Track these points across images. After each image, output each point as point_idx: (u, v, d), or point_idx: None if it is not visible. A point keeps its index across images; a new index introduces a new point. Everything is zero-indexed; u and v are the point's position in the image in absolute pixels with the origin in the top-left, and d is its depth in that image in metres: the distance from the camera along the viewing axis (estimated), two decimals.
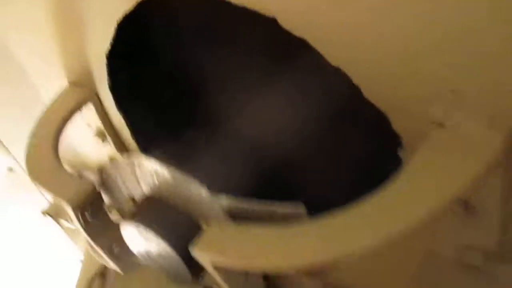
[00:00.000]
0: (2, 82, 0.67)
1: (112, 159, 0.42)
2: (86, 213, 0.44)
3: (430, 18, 0.28)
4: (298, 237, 0.29)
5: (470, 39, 0.28)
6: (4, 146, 0.75)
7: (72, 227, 0.78)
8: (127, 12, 0.41)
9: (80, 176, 0.45)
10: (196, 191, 0.35)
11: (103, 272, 0.68)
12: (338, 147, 0.40)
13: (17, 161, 0.77)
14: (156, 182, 0.37)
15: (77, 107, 0.56)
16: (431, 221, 0.27)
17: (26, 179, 0.80)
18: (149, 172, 0.37)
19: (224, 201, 0.34)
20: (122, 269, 0.49)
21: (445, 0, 0.27)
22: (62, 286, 0.82)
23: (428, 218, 0.28)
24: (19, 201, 0.83)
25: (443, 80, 0.30)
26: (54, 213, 0.78)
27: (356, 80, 0.34)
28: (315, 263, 0.28)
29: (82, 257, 0.82)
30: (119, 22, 0.43)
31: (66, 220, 0.78)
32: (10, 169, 0.78)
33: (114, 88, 0.54)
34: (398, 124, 0.35)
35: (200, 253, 0.32)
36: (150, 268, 0.70)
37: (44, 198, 0.83)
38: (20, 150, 0.76)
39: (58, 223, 0.78)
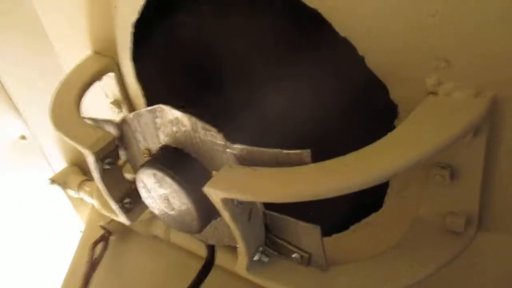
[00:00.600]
0: (26, 48, 0.71)
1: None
2: (103, 163, 0.48)
3: None
4: (297, 173, 0.33)
5: (464, 13, 0.32)
6: (19, 113, 0.79)
7: (77, 196, 0.81)
8: None
9: (101, 129, 0.49)
10: (212, 138, 0.39)
11: (105, 239, 0.71)
12: (343, 115, 0.44)
13: (29, 129, 0.81)
14: (175, 129, 0.41)
15: (99, 75, 0.60)
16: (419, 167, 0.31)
17: (37, 148, 0.84)
18: (169, 120, 0.41)
19: (236, 148, 0.38)
20: (129, 221, 0.52)
21: None
22: (61, 254, 0.84)
23: (416, 163, 0.31)
24: (27, 170, 0.86)
25: (438, 49, 0.35)
26: (61, 182, 0.81)
27: (360, 50, 0.38)
28: (311, 194, 0.32)
29: (82, 228, 0.85)
30: None
31: (72, 189, 0.81)
32: (23, 137, 0.82)
33: (136, 59, 0.58)
34: (395, 93, 0.39)
35: (212, 190, 0.36)
36: (150, 239, 0.73)
37: (51, 169, 0.86)
38: (34, 118, 0.80)
39: (64, 191, 0.82)
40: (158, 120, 0.42)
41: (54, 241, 0.93)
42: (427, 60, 0.35)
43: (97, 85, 0.62)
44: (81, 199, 0.81)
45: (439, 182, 0.40)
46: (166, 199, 0.44)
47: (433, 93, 0.37)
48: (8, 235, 0.88)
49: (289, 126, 0.48)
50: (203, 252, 0.60)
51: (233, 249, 0.43)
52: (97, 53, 0.62)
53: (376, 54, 0.38)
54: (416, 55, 0.36)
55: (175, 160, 0.42)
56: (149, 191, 0.45)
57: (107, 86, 0.64)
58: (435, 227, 0.43)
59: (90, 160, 0.47)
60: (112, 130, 0.49)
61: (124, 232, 0.75)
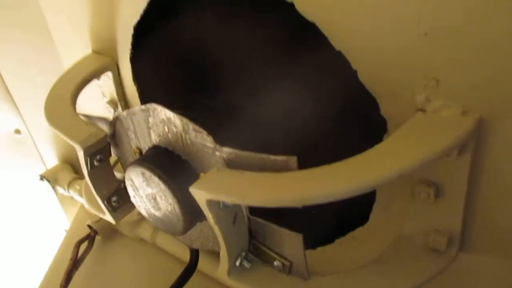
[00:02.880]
0: (27, 44, 0.72)
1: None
2: (94, 160, 0.48)
3: (419, 15, 0.34)
4: (282, 178, 0.33)
5: (453, 35, 0.33)
6: (16, 107, 0.79)
7: (67, 193, 0.81)
8: None
9: (95, 125, 0.49)
10: (202, 140, 0.40)
11: (90, 238, 0.71)
12: (334, 126, 0.45)
13: (25, 124, 0.81)
14: (166, 129, 0.42)
15: (98, 72, 0.60)
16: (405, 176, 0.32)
17: (31, 143, 0.84)
18: (161, 119, 0.41)
19: (225, 151, 0.39)
20: (116, 220, 0.52)
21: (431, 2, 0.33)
22: (45, 250, 0.84)
23: (399, 175, 0.32)
24: (19, 164, 0.86)
25: (427, 68, 0.35)
26: (51, 178, 0.81)
27: (353, 65, 0.39)
28: (294, 199, 0.32)
29: (67, 227, 0.85)
30: None
31: (62, 186, 0.81)
32: (18, 131, 0.82)
33: (134, 60, 0.59)
34: (385, 109, 0.40)
35: (198, 190, 0.36)
36: (136, 242, 0.73)
37: (43, 165, 0.86)
38: (30, 113, 0.81)
39: (54, 188, 0.81)
40: (151, 119, 0.43)
41: (39, 237, 0.92)
42: (417, 78, 0.36)
43: (94, 84, 0.62)
44: (70, 198, 0.81)
45: (424, 199, 0.41)
46: (153, 198, 0.44)
47: (422, 110, 0.37)
48: None
49: (282, 132, 0.48)
50: (188, 257, 0.60)
51: (217, 255, 0.43)
52: (97, 52, 0.62)
53: (368, 69, 0.38)
54: (406, 73, 0.36)
55: (164, 160, 0.42)
56: (137, 189, 0.45)
57: (105, 85, 0.64)
58: (418, 244, 0.43)
59: (80, 155, 0.47)
60: (105, 127, 0.49)
61: (110, 232, 0.74)
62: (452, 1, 0.32)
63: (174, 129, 0.41)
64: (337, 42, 0.39)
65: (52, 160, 0.86)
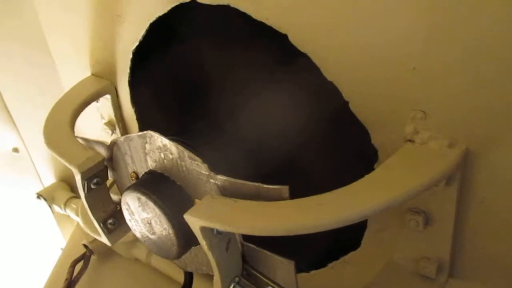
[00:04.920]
0: (28, 63, 0.73)
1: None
2: (91, 183, 0.49)
3: (409, 51, 0.35)
4: (274, 208, 0.34)
5: (439, 71, 0.35)
6: (14, 125, 0.80)
7: (63, 212, 0.81)
8: (162, 14, 0.48)
9: (92, 149, 0.50)
10: (197, 168, 0.41)
11: (86, 258, 0.71)
12: (326, 154, 0.46)
13: (23, 142, 0.82)
14: (162, 156, 0.43)
15: (97, 95, 0.61)
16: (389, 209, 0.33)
17: (28, 162, 0.85)
18: (157, 146, 0.42)
19: (219, 178, 0.40)
20: (111, 242, 0.53)
21: (419, 37, 0.34)
22: (40, 270, 0.84)
23: (387, 207, 0.33)
24: (16, 182, 0.86)
25: (415, 101, 0.37)
26: (48, 197, 0.82)
27: (344, 95, 0.40)
28: (284, 229, 0.33)
29: (63, 246, 0.85)
30: (152, 22, 0.50)
31: (59, 205, 0.82)
32: (16, 150, 0.83)
33: (132, 83, 0.60)
34: (376, 138, 0.41)
35: (192, 218, 0.37)
36: (131, 262, 0.73)
37: (41, 183, 0.87)
38: (28, 132, 0.81)
39: (50, 207, 0.82)
40: (147, 146, 0.44)
41: (35, 255, 0.92)
42: (405, 110, 0.37)
43: (93, 106, 0.63)
44: (67, 216, 0.82)
45: (413, 227, 0.42)
46: (148, 223, 0.44)
47: (410, 140, 0.38)
48: None
49: (275, 159, 0.50)
50: (182, 278, 0.60)
51: (211, 277, 0.44)
52: (96, 75, 0.64)
53: (359, 100, 0.40)
54: (395, 105, 0.38)
55: (159, 186, 0.43)
56: (132, 213, 0.46)
57: (103, 107, 0.65)
58: (408, 271, 0.44)
59: (78, 178, 0.48)
60: (103, 151, 0.50)
61: (106, 252, 0.75)
62: (440, 40, 0.33)
63: (170, 156, 0.42)
64: (328, 73, 0.40)
65: (49, 179, 0.86)
